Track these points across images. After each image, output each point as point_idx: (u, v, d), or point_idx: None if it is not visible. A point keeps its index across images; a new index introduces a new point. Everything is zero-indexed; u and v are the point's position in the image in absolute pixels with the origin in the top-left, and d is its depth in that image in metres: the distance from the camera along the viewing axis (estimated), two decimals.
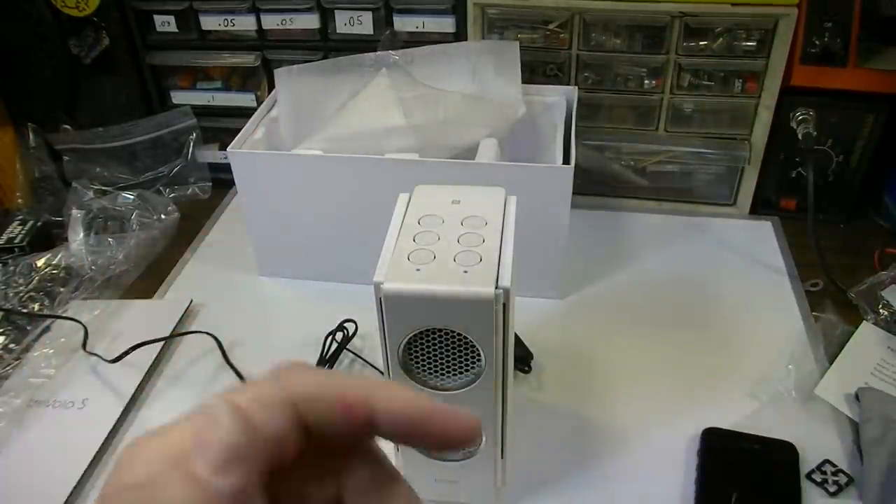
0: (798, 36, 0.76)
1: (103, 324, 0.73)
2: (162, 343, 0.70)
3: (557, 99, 0.79)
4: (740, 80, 0.80)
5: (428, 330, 0.43)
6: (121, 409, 0.64)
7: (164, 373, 0.68)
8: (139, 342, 0.68)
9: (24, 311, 0.75)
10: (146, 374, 0.67)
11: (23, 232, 0.84)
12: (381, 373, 0.65)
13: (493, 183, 0.51)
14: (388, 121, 0.72)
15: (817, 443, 0.58)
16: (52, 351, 0.70)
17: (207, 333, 0.71)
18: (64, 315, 0.73)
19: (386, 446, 0.56)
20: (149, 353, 0.69)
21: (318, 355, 0.67)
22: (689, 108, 0.84)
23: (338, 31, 0.87)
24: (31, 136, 0.93)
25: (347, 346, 0.68)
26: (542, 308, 0.74)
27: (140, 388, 0.66)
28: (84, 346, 0.70)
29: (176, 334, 0.72)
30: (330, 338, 0.68)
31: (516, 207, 0.49)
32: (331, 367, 0.66)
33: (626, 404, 0.64)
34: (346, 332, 0.69)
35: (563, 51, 0.82)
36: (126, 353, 0.67)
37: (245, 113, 0.80)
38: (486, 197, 0.49)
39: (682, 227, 0.86)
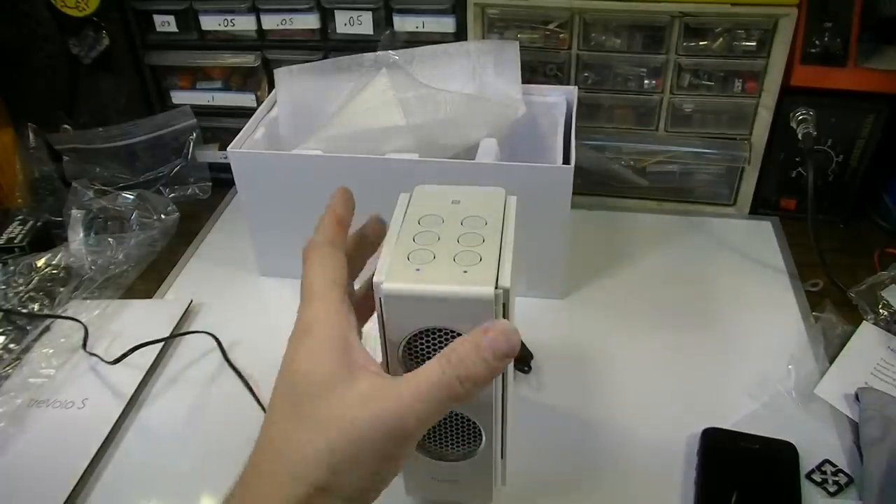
0: (798, 36, 0.76)
1: (103, 324, 0.73)
2: (162, 343, 0.70)
3: (557, 99, 0.79)
4: (740, 80, 0.80)
5: (428, 330, 0.43)
6: (121, 409, 0.64)
7: (164, 373, 0.69)
8: (139, 343, 0.68)
9: (24, 311, 0.75)
10: (146, 374, 0.67)
11: (23, 232, 0.84)
12: None
13: (493, 183, 0.51)
14: (388, 121, 0.72)
15: (817, 443, 0.58)
16: (51, 351, 0.70)
17: (207, 333, 0.71)
18: (64, 315, 0.74)
19: None
20: (149, 354, 0.69)
21: None
22: (689, 108, 0.84)
23: (338, 31, 0.86)
24: (31, 136, 0.93)
25: None
26: (542, 308, 0.74)
27: (140, 388, 0.66)
28: (84, 345, 0.70)
29: (176, 334, 0.72)
30: None
31: (516, 207, 0.49)
32: None
33: (626, 404, 0.64)
34: None
35: (563, 51, 0.82)
36: (126, 354, 0.67)
37: (245, 113, 0.80)
38: (486, 197, 0.49)
39: (682, 227, 0.86)
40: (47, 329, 0.73)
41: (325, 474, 0.36)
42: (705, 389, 0.65)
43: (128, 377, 0.67)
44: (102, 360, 0.68)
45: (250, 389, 0.66)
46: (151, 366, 0.68)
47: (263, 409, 0.64)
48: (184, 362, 0.70)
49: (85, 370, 0.68)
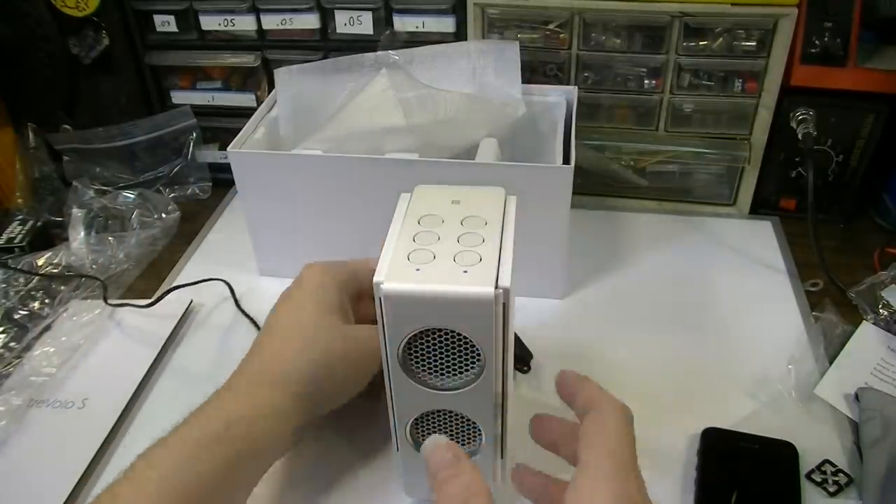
0: (798, 36, 0.76)
1: (103, 323, 0.73)
2: (169, 334, 0.70)
3: (557, 99, 0.79)
4: (740, 80, 0.80)
5: (427, 330, 0.43)
6: (121, 409, 0.64)
7: (164, 373, 0.69)
8: (173, 286, 0.75)
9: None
10: (146, 373, 0.67)
11: (23, 232, 0.84)
12: None
13: (493, 183, 0.51)
14: (388, 121, 0.72)
15: (817, 443, 0.58)
16: (52, 349, 0.70)
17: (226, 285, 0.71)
18: (87, 274, 0.77)
19: (386, 447, 0.56)
20: (149, 353, 0.69)
21: None
22: (689, 108, 0.84)
23: (338, 31, 0.86)
24: (31, 136, 0.93)
25: None
26: (542, 308, 0.74)
27: (140, 388, 0.66)
28: (105, 300, 0.74)
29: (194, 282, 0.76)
30: None
31: (516, 207, 0.49)
32: None
33: (626, 404, 0.63)
34: None
35: (563, 51, 0.82)
36: (162, 296, 0.73)
37: (245, 113, 0.80)
38: (486, 197, 0.49)
39: (682, 227, 0.86)
40: (48, 328, 0.73)
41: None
42: (705, 389, 0.65)
43: (128, 377, 0.67)
44: (136, 306, 0.73)
45: None
46: (152, 366, 0.68)
47: None
48: (184, 363, 0.70)
49: (85, 370, 0.68)
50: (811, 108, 0.78)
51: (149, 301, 0.73)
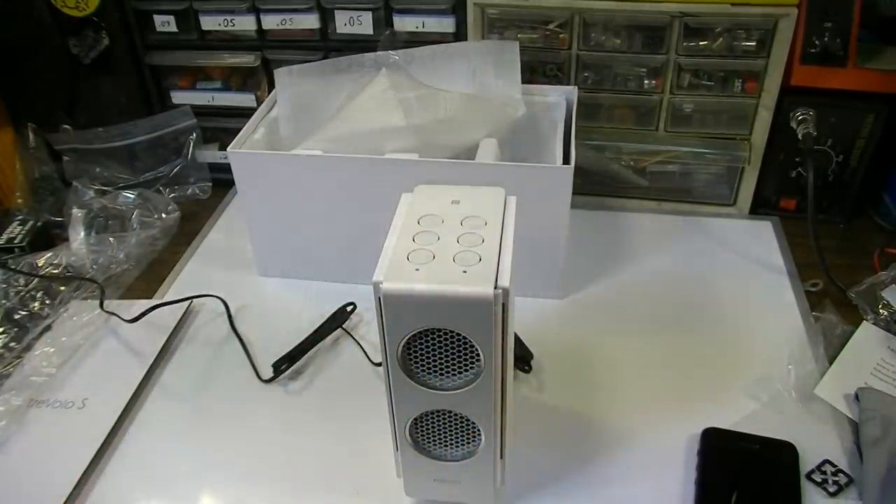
0: (798, 36, 0.76)
1: (102, 323, 0.73)
2: (165, 339, 0.70)
3: (557, 99, 0.79)
4: (740, 80, 0.80)
5: (427, 330, 0.43)
6: (121, 409, 0.64)
7: (163, 373, 0.69)
8: (155, 304, 0.73)
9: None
10: (146, 373, 0.67)
11: (23, 232, 0.84)
12: (377, 364, 0.65)
13: (493, 183, 0.51)
14: (388, 121, 0.72)
15: (817, 443, 0.58)
16: (52, 350, 0.70)
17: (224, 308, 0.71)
18: (84, 277, 0.77)
19: (386, 447, 0.56)
20: (149, 353, 0.69)
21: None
22: (689, 108, 0.84)
23: (338, 31, 0.87)
24: (31, 136, 0.93)
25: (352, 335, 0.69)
26: (542, 308, 0.74)
27: (140, 388, 0.66)
28: (101, 304, 0.73)
29: (188, 297, 0.75)
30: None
31: (516, 207, 0.49)
32: None
33: (626, 404, 0.64)
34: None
35: (563, 51, 0.82)
36: (145, 312, 0.71)
37: (245, 113, 0.80)
38: (485, 197, 0.49)
39: (682, 227, 0.86)
40: (48, 328, 0.73)
41: None
42: (705, 389, 0.65)
43: (128, 378, 0.67)
44: (121, 318, 0.71)
45: None
46: (151, 366, 0.68)
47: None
48: (184, 365, 0.70)
49: (86, 370, 0.68)
50: (811, 108, 0.78)
51: (133, 317, 0.71)
